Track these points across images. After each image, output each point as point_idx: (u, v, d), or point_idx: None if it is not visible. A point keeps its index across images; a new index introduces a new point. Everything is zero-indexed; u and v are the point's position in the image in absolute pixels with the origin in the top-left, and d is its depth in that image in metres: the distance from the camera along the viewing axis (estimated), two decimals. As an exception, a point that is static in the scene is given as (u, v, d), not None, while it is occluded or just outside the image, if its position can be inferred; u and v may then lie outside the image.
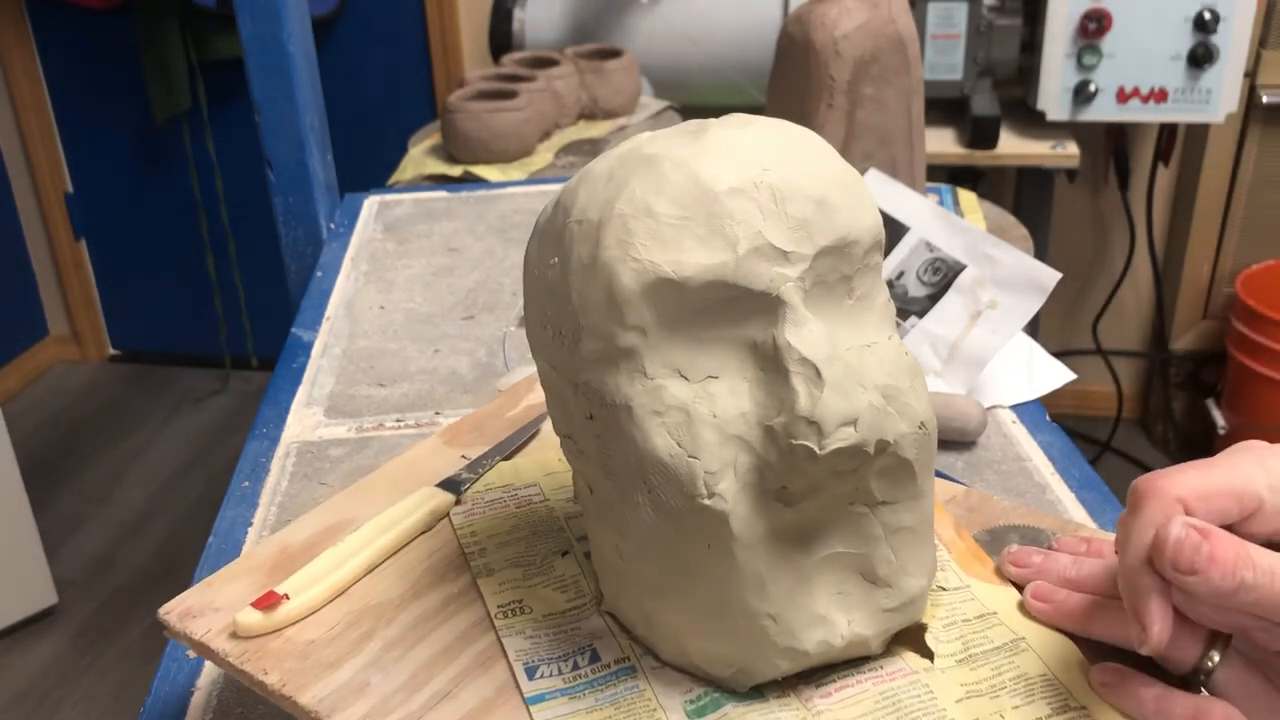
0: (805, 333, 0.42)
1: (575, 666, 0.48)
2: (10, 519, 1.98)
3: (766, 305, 0.42)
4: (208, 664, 0.60)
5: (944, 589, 0.50)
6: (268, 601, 0.50)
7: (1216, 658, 0.42)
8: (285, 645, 0.49)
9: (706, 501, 0.42)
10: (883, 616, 0.46)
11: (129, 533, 2.38)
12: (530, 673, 0.47)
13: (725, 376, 0.43)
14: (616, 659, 0.48)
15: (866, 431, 0.41)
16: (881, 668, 0.47)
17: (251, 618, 0.49)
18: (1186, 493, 0.41)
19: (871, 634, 0.46)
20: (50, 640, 2.07)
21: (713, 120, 0.46)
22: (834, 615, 0.45)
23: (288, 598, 0.50)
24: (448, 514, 0.58)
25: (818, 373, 0.41)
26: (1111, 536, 0.53)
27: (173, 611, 0.51)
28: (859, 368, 0.43)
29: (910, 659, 0.47)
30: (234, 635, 0.49)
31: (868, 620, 0.46)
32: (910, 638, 0.48)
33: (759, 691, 0.46)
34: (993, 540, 0.54)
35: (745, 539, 0.43)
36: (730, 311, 0.43)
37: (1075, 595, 0.47)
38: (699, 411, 0.42)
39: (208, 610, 0.51)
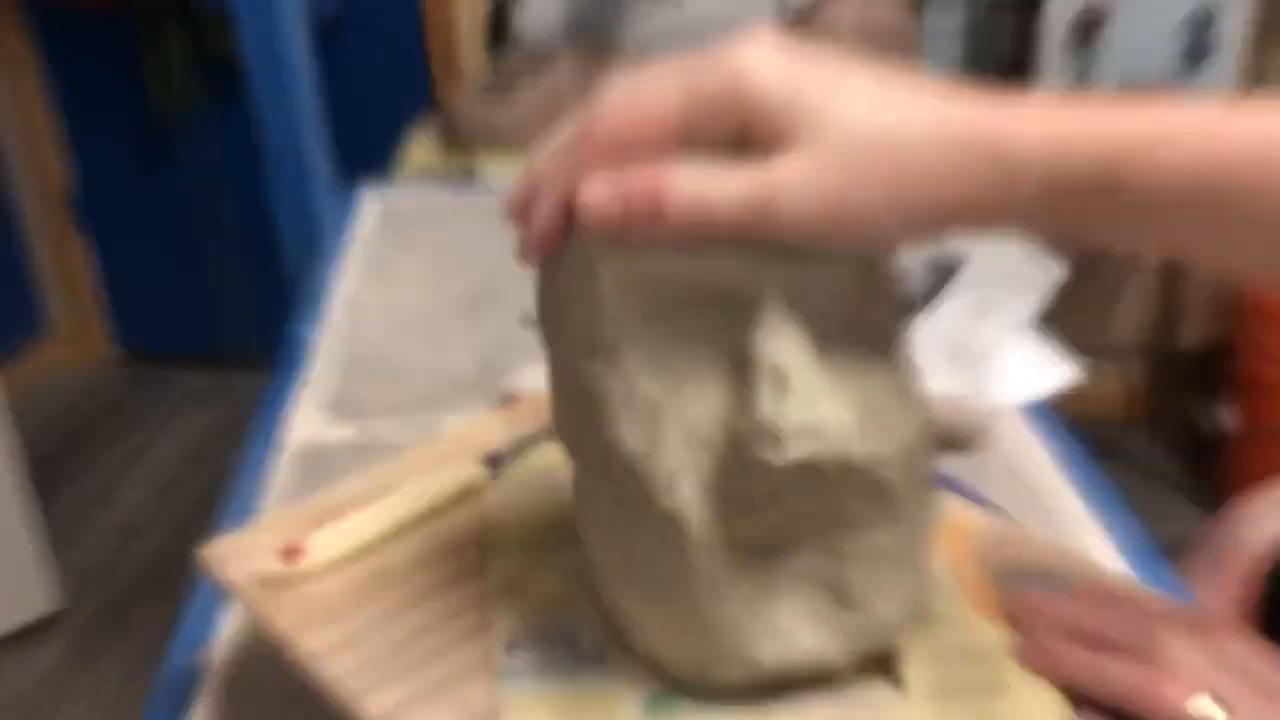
0: (779, 339, 0.41)
1: (553, 649, 0.48)
2: (13, 521, 1.98)
3: (745, 308, 0.42)
4: (209, 667, 0.60)
5: (938, 616, 0.49)
6: (292, 552, 0.53)
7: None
8: (298, 596, 0.52)
9: (664, 501, 0.42)
10: (849, 638, 0.45)
11: (131, 534, 2.38)
12: (509, 649, 0.48)
13: (700, 377, 0.42)
14: (592, 648, 0.49)
15: (828, 445, 0.40)
16: (847, 689, 0.46)
17: (274, 566, 0.52)
18: (608, 141, 0.40)
19: (835, 653, 0.45)
20: (52, 644, 2.07)
21: None
22: (796, 629, 0.44)
23: (309, 551, 0.53)
24: (482, 489, 0.60)
25: (785, 380, 0.40)
26: (1129, 585, 0.52)
27: (214, 552, 0.55)
28: (837, 380, 0.42)
29: (881, 687, 0.46)
30: (259, 581, 0.53)
31: (832, 639, 0.45)
32: (886, 665, 0.47)
33: (718, 696, 0.46)
34: (1011, 579, 0.52)
35: (701, 541, 0.42)
36: (710, 312, 0.42)
37: (1073, 649, 0.46)
38: (667, 409, 0.42)
39: (243, 554, 0.54)
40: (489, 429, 0.65)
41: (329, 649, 0.49)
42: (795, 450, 0.39)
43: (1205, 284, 2.38)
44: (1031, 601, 0.49)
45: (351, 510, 0.56)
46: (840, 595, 0.45)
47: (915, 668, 0.46)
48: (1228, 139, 0.37)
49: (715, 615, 0.44)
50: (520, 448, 0.63)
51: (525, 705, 0.45)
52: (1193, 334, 2.42)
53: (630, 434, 0.42)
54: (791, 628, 0.44)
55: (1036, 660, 0.46)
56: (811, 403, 0.40)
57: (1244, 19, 1.77)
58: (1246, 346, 2.14)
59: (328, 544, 0.54)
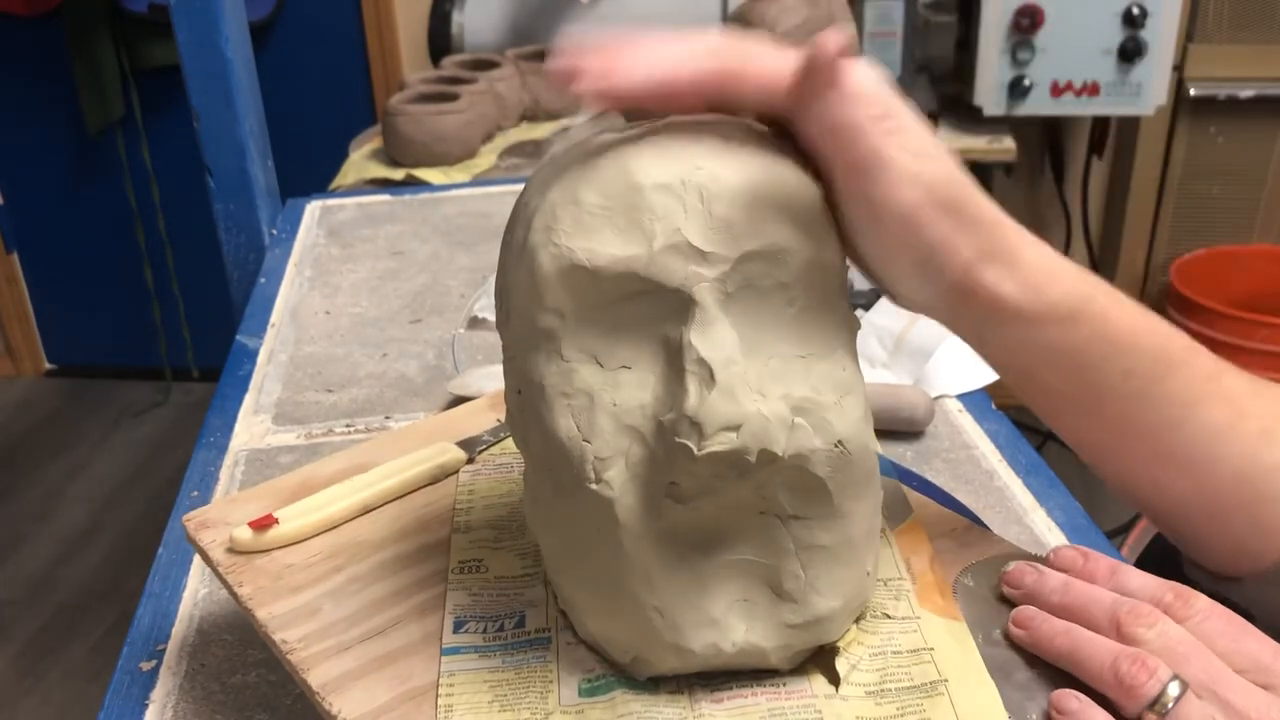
0: (710, 334, 0.41)
1: (500, 629, 0.49)
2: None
3: (681, 303, 0.42)
4: (161, 677, 0.59)
5: (889, 617, 0.49)
6: (262, 523, 0.54)
7: (1173, 700, 0.41)
8: (268, 564, 0.53)
9: (594, 486, 0.43)
10: (785, 631, 0.45)
11: (71, 550, 2.33)
12: (457, 626, 0.49)
13: (637, 368, 0.43)
14: (538, 629, 0.49)
15: (749, 439, 0.41)
16: (783, 685, 0.46)
17: (245, 535, 0.54)
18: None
19: (770, 646, 0.45)
20: (-9, 662, 2.03)
21: (678, 116, 0.46)
22: (730, 621, 0.45)
23: (279, 522, 0.54)
24: (457, 470, 0.61)
25: (711, 374, 0.41)
26: (1106, 558, 0.51)
27: (194, 520, 0.57)
28: (767, 376, 0.42)
29: (817, 682, 0.46)
30: (230, 549, 0.54)
31: (767, 632, 0.45)
32: (823, 660, 0.47)
33: (655, 684, 0.46)
34: (981, 570, 0.51)
35: (632, 528, 0.43)
36: (647, 305, 0.43)
37: (1053, 621, 0.46)
38: (602, 399, 0.43)
39: (221, 523, 0.56)
40: (473, 414, 0.67)
41: (288, 617, 0.50)
42: (715, 443, 0.40)
43: (1132, 277, 2.44)
44: (1018, 578, 0.49)
45: (328, 485, 0.58)
46: (777, 588, 0.45)
47: (854, 665, 0.47)
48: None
49: (648, 603, 0.44)
50: (498, 433, 0.64)
51: (462, 681, 0.46)
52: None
53: (565, 421, 0.43)
54: (726, 619, 0.45)
55: (1023, 641, 0.46)
56: (735, 397, 0.41)
57: (1173, 14, 1.81)
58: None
59: (299, 516, 0.55)
